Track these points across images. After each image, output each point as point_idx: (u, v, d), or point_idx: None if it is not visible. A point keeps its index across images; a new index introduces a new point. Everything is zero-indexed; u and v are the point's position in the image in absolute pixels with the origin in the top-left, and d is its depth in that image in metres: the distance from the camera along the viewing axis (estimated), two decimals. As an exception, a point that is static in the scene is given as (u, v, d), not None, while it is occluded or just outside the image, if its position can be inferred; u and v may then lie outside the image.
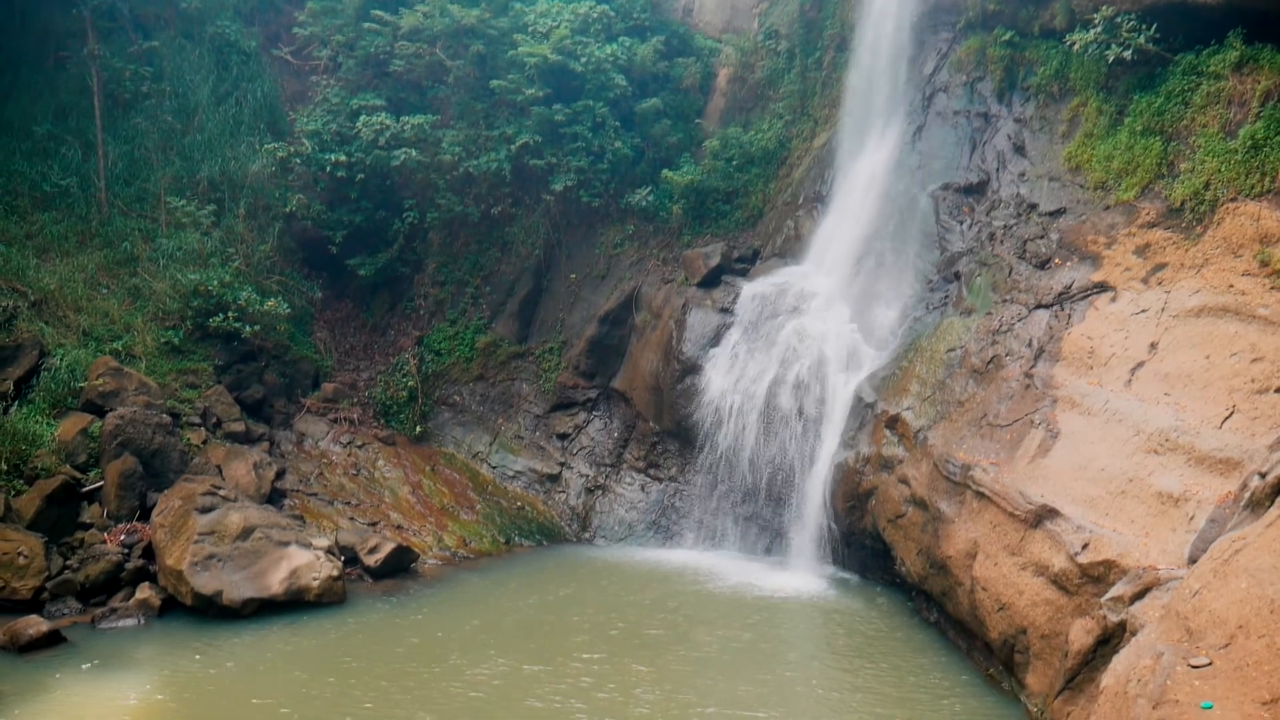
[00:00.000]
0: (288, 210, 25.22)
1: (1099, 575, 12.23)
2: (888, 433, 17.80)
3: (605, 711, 13.03)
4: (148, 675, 14.04)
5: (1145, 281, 15.41)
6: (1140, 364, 14.32)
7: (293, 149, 25.13)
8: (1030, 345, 16.26)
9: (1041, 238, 17.87)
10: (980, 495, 14.68)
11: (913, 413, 17.36)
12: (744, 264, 23.06)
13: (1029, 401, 15.40)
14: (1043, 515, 13.34)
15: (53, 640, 14.90)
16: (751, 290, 21.95)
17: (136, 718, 12.73)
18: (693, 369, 21.85)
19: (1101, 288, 15.97)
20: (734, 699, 13.56)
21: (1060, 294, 16.49)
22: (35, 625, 14.94)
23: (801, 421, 20.06)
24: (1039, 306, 16.73)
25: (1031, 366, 15.90)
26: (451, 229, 26.13)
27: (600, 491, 22.90)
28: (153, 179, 24.50)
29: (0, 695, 13.08)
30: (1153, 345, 14.40)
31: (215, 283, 22.00)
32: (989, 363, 16.75)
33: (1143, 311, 14.96)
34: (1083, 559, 12.45)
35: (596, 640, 15.70)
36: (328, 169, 25.02)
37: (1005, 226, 18.91)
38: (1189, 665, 8.06)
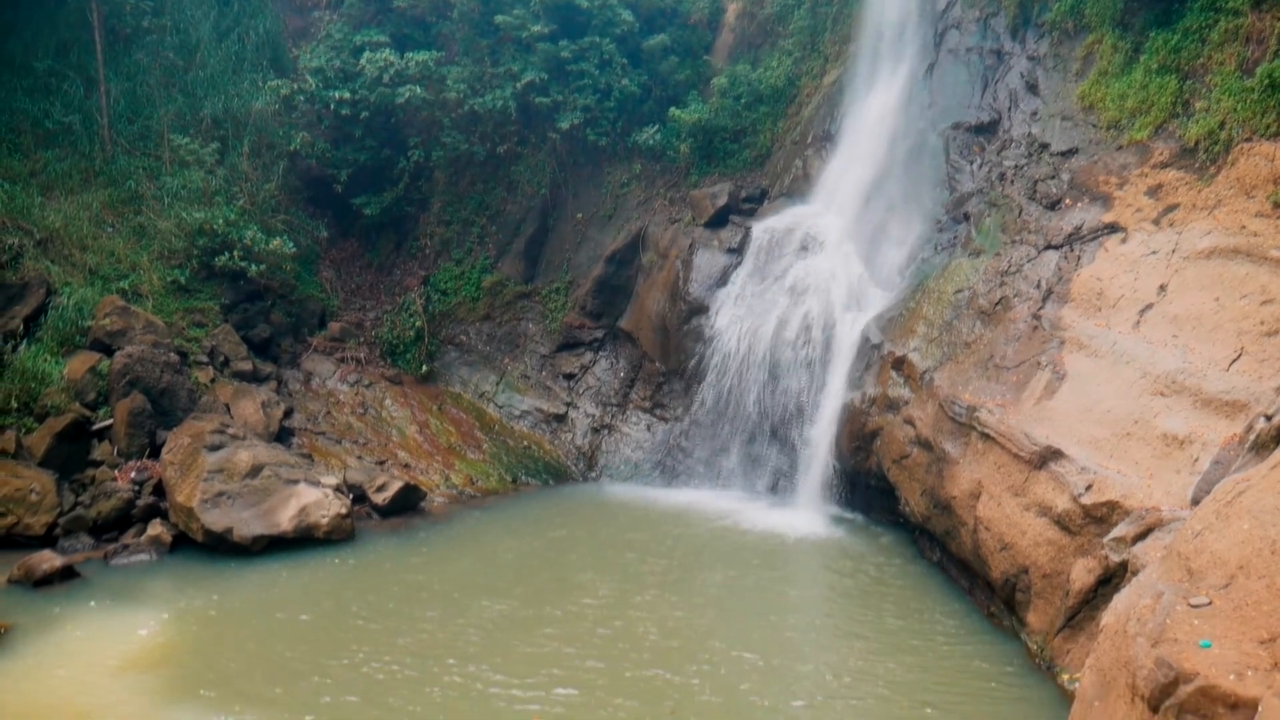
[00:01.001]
0: (292, 148, 25.02)
1: (1102, 516, 12.30)
2: (894, 374, 17.80)
3: (608, 648, 13.22)
4: (160, 609, 14.26)
5: (1156, 223, 15.27)
6: (1149, 306, 14.25)
7: (296, 86, 24.86)
8: (1039, 287, 16.18)
9: (1052, 178, 17.68)
10: (985, 436, 14.71)
11: (919, 354, 17.34)
12: (751, 204, 22.89)
13: (1036, 343, 15.36)
14: (1047, 456, 13.39)
15: (66, 575, 15.12)
16: (759, 230, 21.82)
17: (149, 650, 12.96)
18: (699, 309, 21.80)
19: (1112, 229, 15.83)
20: (736, 636, 13.74)
21: (1070, 235, 16.36)
22: (49, 560, 15.15)
23: (808, 362, 20.05)
24: (1048, 248, 16.61)
25: (1039, 308, 15.83)
26: (457, 168, 25.94)
27: (606, 431, 22.99)
28: (155, 116, 24.29)
29: (16, 628, 13.31)
30: (1162, 287, 14.31)
31: (220, 221, 21.92)
32: (997, 304, 16.68)
33: (1153, 253, 14.85)
34: (1086, 500, 12.51)
35: (600, 578, 15.88)
36: (332, 106, 24.77)
37: (1016, 166, 18.71)
38: (1189, 605, 8.13)
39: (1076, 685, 10.45)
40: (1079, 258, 15.93)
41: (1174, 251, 14.55)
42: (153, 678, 12.16)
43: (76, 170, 22.75)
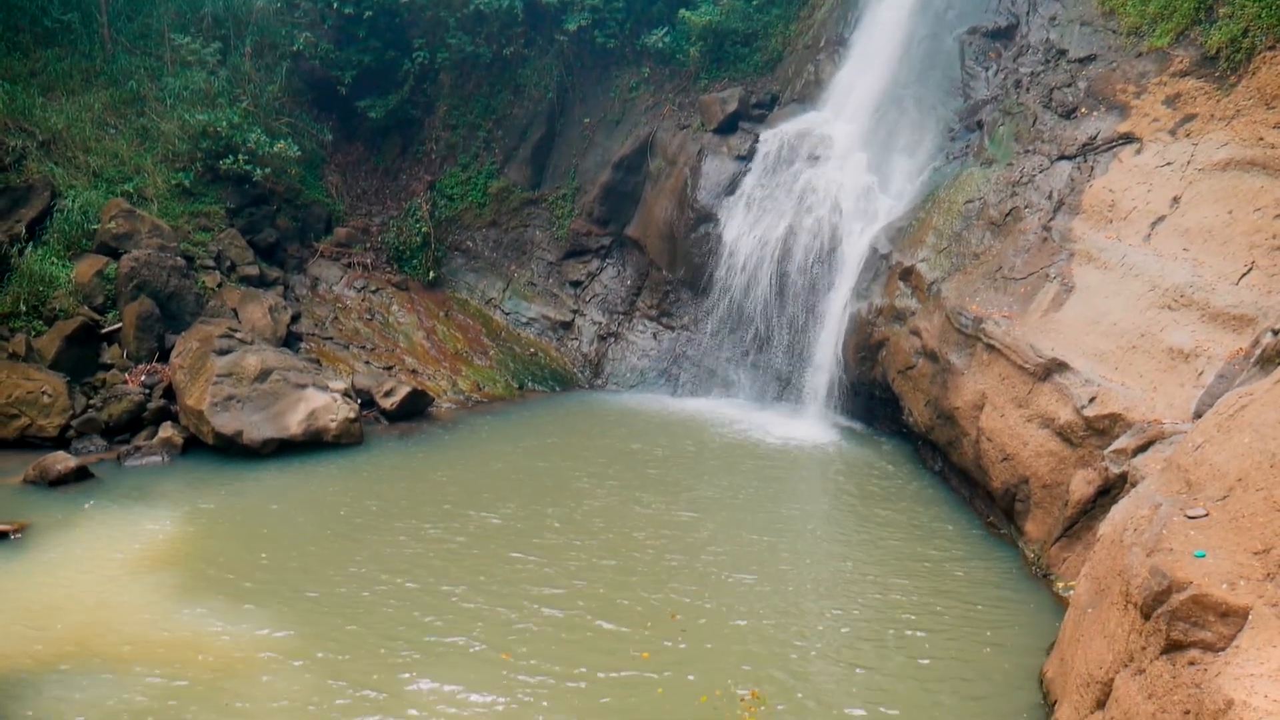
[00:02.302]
0: (295, 49, 24.57)
1: (1104, 428, 12.39)
2: (901, 284, 17.74)
3: (610, 554, 13.48)
4: (173, 510, 14.54)
5: (1173, 133, 15.02)
6: (1161, 218, 14.12)
7: (298, -17, 24.31)
8: (1050, 198, 16.00)
9: (1069, 86, 17.34)
10: (991, 348, 14.73)
11: (927, 264, 17.26)
12: (762, 110, 22.52)
13: (1045, 255, 15.27)
14: (1052, 368, 13.42)
15: (81, 476, 15.38)
16: (769, 137, 21.52)
17: (163, 550, 13.25)
18: (707, 217, 21.64)
19: (1127, 139, 15.59)
20: (739, 542, 13.99)
21: (1084, 145, 16.12)
22: (63, 461, 15.40)
23: (815, 272, 19.98)
24: (1061, 158, 16.38)
25: (1050, 219, 15.69)
26: (462, 70, 25.49)
27: (613, 339, 23.05)
28: (155, 15, 23.82)
29: (33, 526, 13.60)
30: (1175, 199, 14.15)
31: (224, 124, 21.67)
32: (1007, 215, 16.53)
33: (1168, 164, 14.65)
34: (1089, 412, 12.59)
35: (605, 485, 16.11)
36: (335, 5, 24.25)
37: (1032, 73, 18.33)
38: (1185, 516, 8.24)
39: (1071, 593, 10.67)
40: (1092, 169, 15.73)
41: (1189, 163, 14.35)
42: (167, 576, 12.46)
43: (77, 70, 22.43)
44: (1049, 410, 13.23)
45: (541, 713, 9.72)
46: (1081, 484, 12.32)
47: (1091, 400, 12.67)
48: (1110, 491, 11.75)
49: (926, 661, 10.83)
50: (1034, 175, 16.56)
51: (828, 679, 10.49)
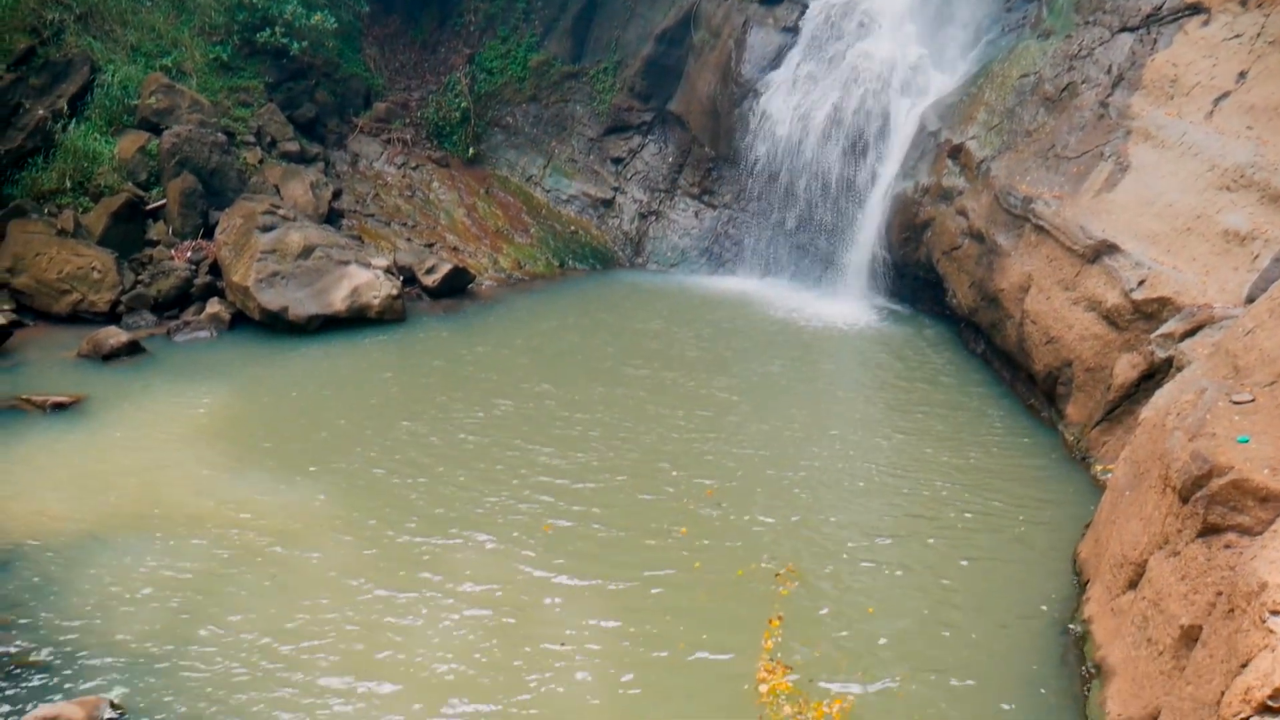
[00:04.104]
0: (330, -85, 23.87)
1: (1152, 312, 12.19)
2: (950, 163, 17.33)
3: (648, 428, 13.64)
4: (223, 384, 14.88)
5: (1243, 3, 14.28)
6: (1225, 94, 13.56)
7: None
8: (1109, 72, 15.40)
9: (1135, -49, 16.47)
10: (1040, 229, 14.43)
11: (977, 142, 16.80)
12: (810, -22, 21.67)
13: (1101, 132, 14.79)
14: (1101, 250, 13.15)
15: (133, 350, 15.72)
16: (816, 7, 20.77)
17: (213, 422, 13.62)
18: (751, 92, 21.12)
19: (1195, 9, 14.85)
20: (778, 422, 14.09)
21: (1149, 16, 15.39)
22: (115, 336, 15.73)
23: (862, 149, 19.53)
24: (1124, 29, 15.68)
25: (1108, 95, 15.13)
26: (501, -63, 24.70)
27: (654, 217, 22.85)
28: (187, -121, 23.17)
29: (90, 398, 14.01)
30: (1241, 74, 13.56)
31: (260, -6, 21.28)
32: (1063, 90, 15.96)
33: (1236, 37, 13.98)
34: (1137, 295, 12.38)
35: (643, 362, 16.20)
36: None
37: (1097, -62, 17.42)
38: (1231, 401, 8.16)
39: (1109, 476, 10.69)
40: (1155, 41, 15.06)
41: (1259, 35, 13.68)
42: (217, 448, 12.83)
43: (110, -61, 21.98)
44: (1096, 293, 13.02)
45: (583, 579, 10.02)
46: (1126, 368, 12.20)
47: (1141, 283, 12.43)
48: (1155, 376, 11.63)
49: (961, 539, 10.97)
50: (1093, 48, 15.91)
51: (861, 553, 10.68)
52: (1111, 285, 12.81)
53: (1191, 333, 11.28)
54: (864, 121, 19.45)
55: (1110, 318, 12.73)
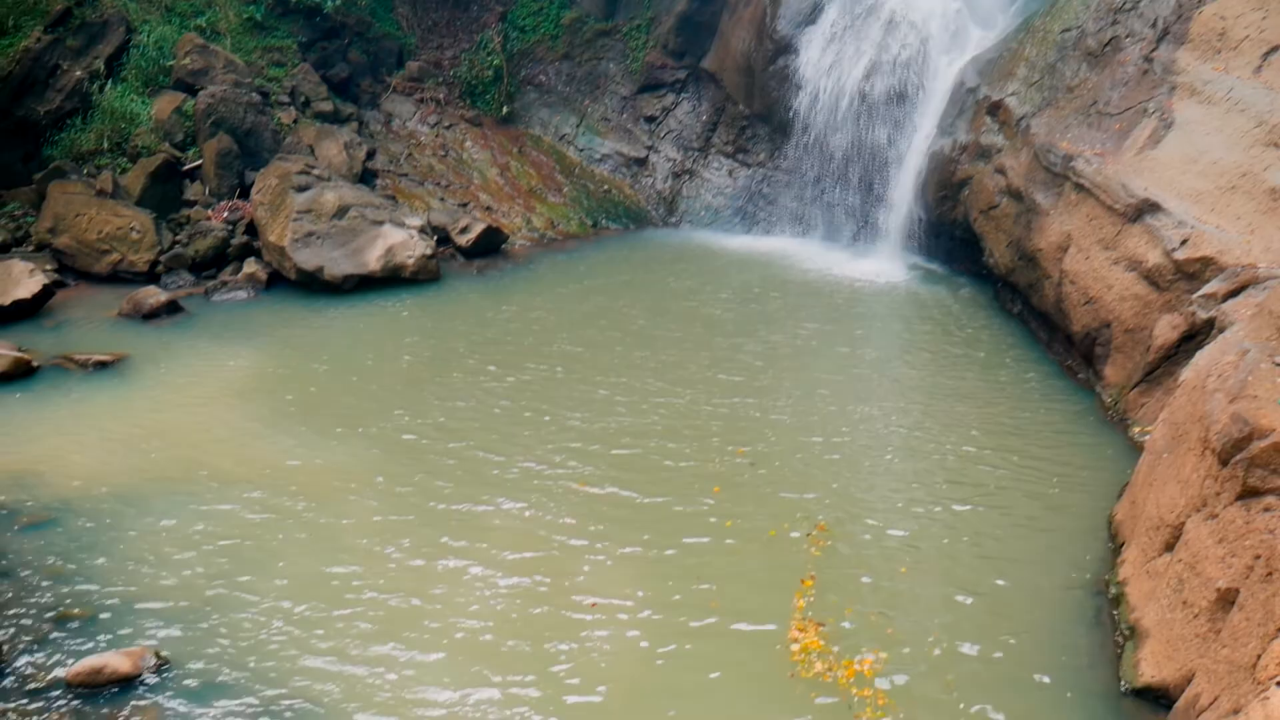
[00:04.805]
0: None
1: (1194, 272, 11.99)
2: (988, 119, 17.05)
3: (681, 389, 13.65)
4: (261, 343, 15.06)
5: (1296, -48, 13.87)
6: (1275, 48, 13.20)
7: None
8: (1155, 25, 15.03)
9: (1184, -100, 16.01)
10: (1080, 187, 14.20)
11: (1017, 99, 16.51)
12: (847, -69, 21.26)
13: (1145, 88, 14.48)
14: (1143, 209, 12.92)
15: (172, 309, 15.92)
16: (854, -39, 20.40)
17: (250, 379, 13.81)
18: (786, 49, 20.84)
19: (1244, -41, 14.44)
20: (813, 382, 14.06)
21: (1196, -33, 14.98)
22: (155, 295, 15.94)
23: (898, 107, 19.25)
24: (1170, -19, 15.28)
25: (1153, 49, 14.78)
26: (533, -108, 24.40)
27: (687, 176, 22.71)
28: None
29: (131, 357, 14.23)
30: (1292, 26, 13.19)
31: (292, -48, 21.23)
32: (1106, 45, 15.61)
33: (1287, -13, 13.59)
34: (1179, 255, 12.17)
35: (676, 322, 16.18)
36: None
37: (1144, -114, 16.93)
38: (1274, 363, 8.03)
39: (1147, 438, 10.58)
40: (1203, -7, 14.66)
41: (1311, -14, 13.29)
42: (256, 406, 13.01)
43: (144, -103, 21.97)
44: (1137, 253, 12.81)
45: (617, 541, 10.10)
46: (1166, 329, 12.03)
47: (1183, 243, 12.22)
48: (1195, 337, 11.46)
49: (995, 501, 10.93)
50: (1138, 1, 15.53)
51: (894, 513, 10.68)
52: (1153, 245, 12.60)
53: (1234, 293, 11.09)
54: (901, 78, 19.15)
55: (1151, 278, 12.54)
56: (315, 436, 12.14)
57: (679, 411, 12.98)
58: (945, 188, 17.91)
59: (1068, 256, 14.08)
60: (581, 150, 23.27)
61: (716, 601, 9.17)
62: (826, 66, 20.10)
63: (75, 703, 7.85)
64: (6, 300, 15.21)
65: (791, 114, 20.68)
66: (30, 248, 17.36)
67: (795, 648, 8.52)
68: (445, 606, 9.05)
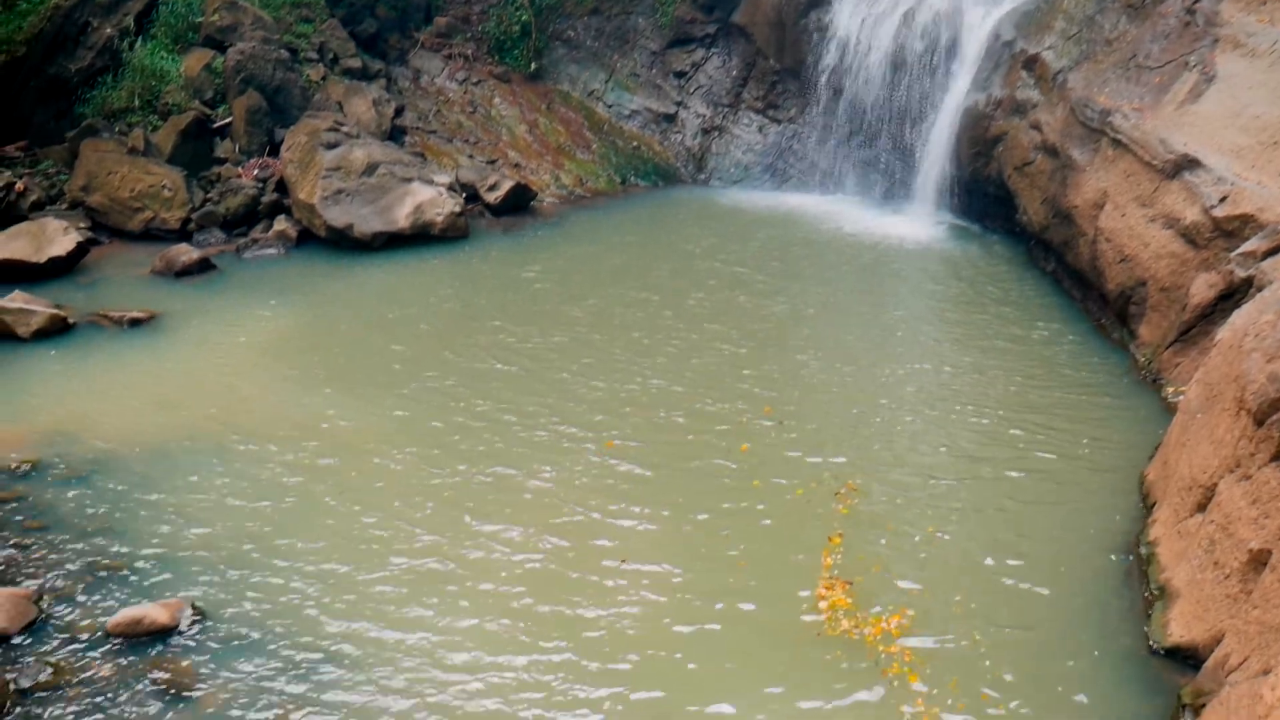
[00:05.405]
0: None
1: (1233, 230, 11.77)
2: (1024, 74, 16.74)
3: (709, 347, 13.63)
4: (290, 300, 15.17)
5: (1347, -102, 13.44)
6: (1322, -2, 12.85)
7: None
8: (1197, -25, 14.64)
9: None
10: (1117, 143, 13.94)
11: (1054, 52, 16.19)
12: (881, -120, 20.82)
13: (1186, 41, 14.14)
14: (1182, 165, 12.67)
15: (204, 267, 16.04)
16: (888, -89, 19.99)
17: (281, 337, 13.93)
18: (819, 1, 20.52)
19: (1293, -94, 14.02)
20: (842, 339, 14.00)
21: (1242, -86, 14.56)
22: (187, 253, 16.05)
23: (932, 61, 18.93)
24: (1215, -71, 14.86)
25: (1195, 1, 14.42)
26: None
27: (716, 133, 22.50)
28: None
29: (164, 314, 14.37)
30: (1341, -25, 12.82)
31: (319, -94, 21.07)
32: (1147, -4, 15.24)
33: (1337, -65, 13.20)
34: (1218, 212, 11.94)
35: (705, 279, 16.11)
36: None
37: None
38: (1313, 322, 7.90)
39: (1180, 398, 10.46)
40: (1249, -59, 14.26)
41: (1362, -67, 12.90)
42: (288, 364, 13.12)
43: None
44: (1175, 210, 12.59)
45: (644, 499, 10.15)
46: (1203, 287, 11.84)
47: (1222, 200, 11.98)
48: (1233, 296, 11.28)
49: (1026, 459, 10.87)
50: (1181, -50, 15.12)
51: (923, 471, 10.65)
52: (1191, 201, 12.37)
53: (1274, 251, 10.88)
54: (935, 32, 18.82)
55: (1188, 235, 12.33)
56: (345, 396, 12.24)
57: (706, 370, 12.97)
58: (979, 144, 17.64)
59: (1103, 214, 13.86)
60: (610, 106, 23.09)
61: (744, 560, 9.21)
62: (859, 20, 19.79)
63: (116, 652, 8.03)
64: (42, 258, 15.38)
65: (823, 69, 20.41)
66: (64, 206, 17.50)
67: (823, 605, 8.56)
68: (474, 568, 9.12)
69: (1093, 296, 14.50)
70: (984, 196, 18.20)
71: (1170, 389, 11.92)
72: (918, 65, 19.08)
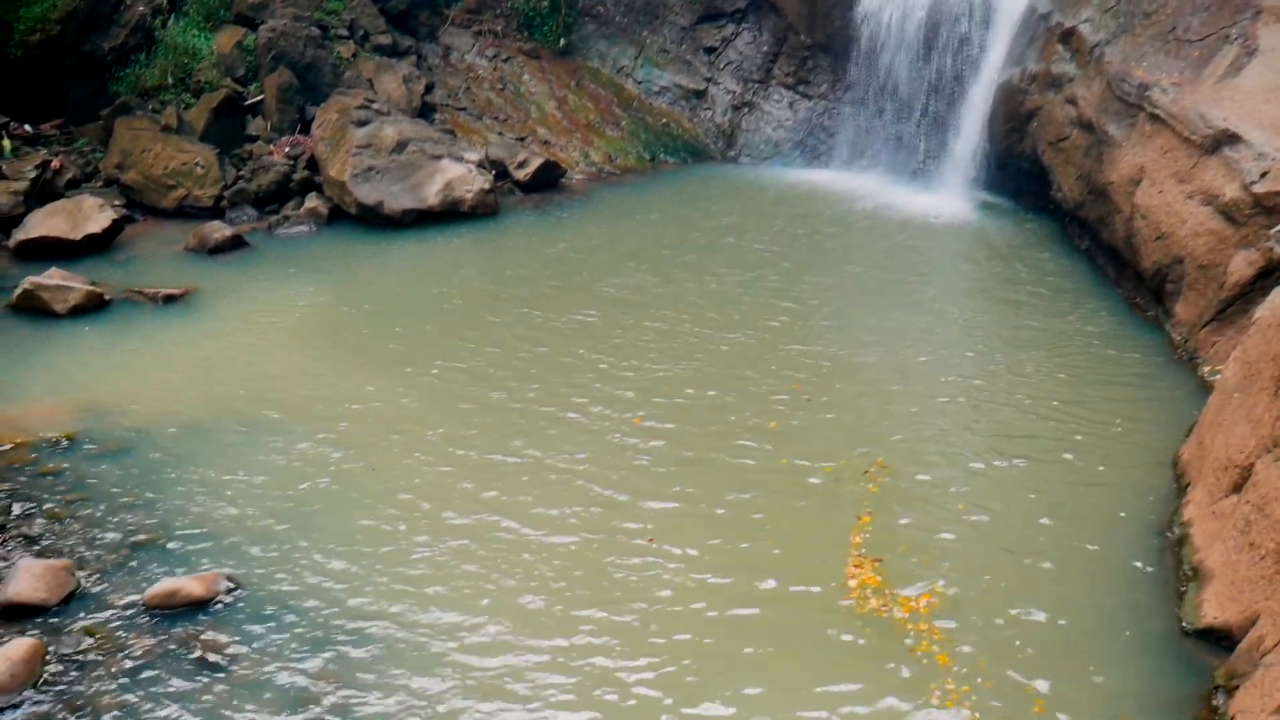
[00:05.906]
0: None
1: (1274, 206, 11.56)
2: (1060, 48, 16.48)
3: (738, 324, 13.59)
4: (322, 277, 15.27)
5: None
6: (1369, -32, 12.55)
7: None
8: (1240, -54, 14.33)
9: None
10: (1155, 118, 13.71)
11: (1091, 25, 15.92)
12: None
13: (1227, 13, 13.85)
14: (1221, 140, 12.44)
15: (237, 244, 16.17)
16: (922, -117, 19.67)
17: (313, 314, 14.05)
18: (850, -24, 20.28)
19: (1340, -127, 13.67)
20: (873, 318, 13.91)
21: (1287, -118, 14.22)
22: (219, 230, 16.19)
23: (965, 36, 18.67)
24: (1258, -102, 14.52)
25: (1237, -29, 14.13)
26: None
27: (747, 109, 22.34)
28: None
29: (198, 291, 14.52)
30: (1389, -55, 12.50)
31: (349, -118, 21.03)
32: (1187, -33, 14.94)
33: (1385, -97, 12.86)
34: (1258, 188, 11.73)
35: (734, 258, 16.05)
36: None
37: None
38: (1355, 301, 7.76)
39: (1217, 377, 10.32)
40: (1294, -90, 13.93)
41: None
42: (320, 340, 13.23)
43: None
44: (1213, 186, 12.37)
45: (673, 478, 10.16)
46: (1242, 265, 11.66)
47: (1263, 175, 11.76)
48: (1272, 273, 11.11)
49: (1058, 438, 10.77)
50: (1223, -80, 14.80)
51: (953, 450, 10.59)
52: (1231, 178, 12.15)
53: (1315, 228, 10.69)
54: (969, 6, 18.55)
55: (1227, 212, 12.12)
56: (375, 374, 12.31)
57: (734, 349, 12.94)
58: (1013, 119, 17.41)
59: (1140, 190, 13.66)
60: (639, 83, 22.98)
61: (771, 538, 9.21)
62: (892, -7, 19.54)
63: (153, 623, 8.17)
64: (78, 235, 15.56)
65: (854, 44, 20.19)
66: (99, 183, 17.69)
67: (851, 583, 8.55)
68: (505, 547, 9.14)
69: (1128, 274, 14.31)
70: (1017, 173, 17.98)
71: (1206, 368, 11.77)
72: (951, 40, 18.82)
